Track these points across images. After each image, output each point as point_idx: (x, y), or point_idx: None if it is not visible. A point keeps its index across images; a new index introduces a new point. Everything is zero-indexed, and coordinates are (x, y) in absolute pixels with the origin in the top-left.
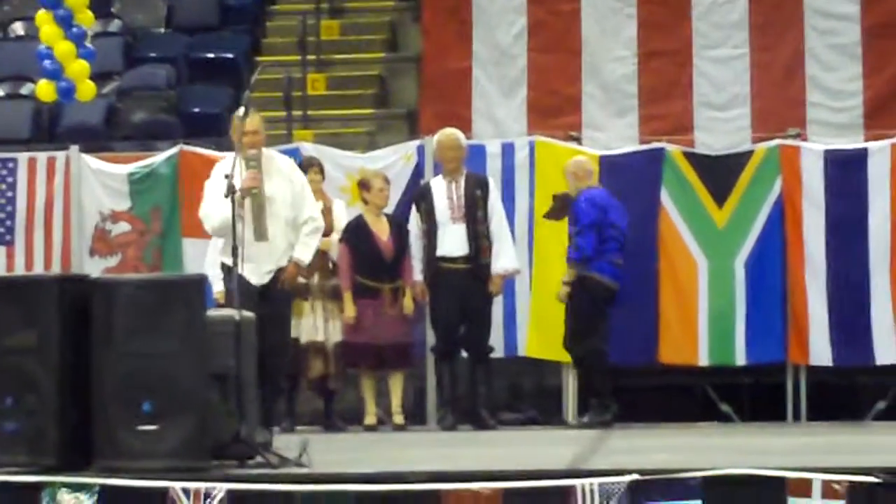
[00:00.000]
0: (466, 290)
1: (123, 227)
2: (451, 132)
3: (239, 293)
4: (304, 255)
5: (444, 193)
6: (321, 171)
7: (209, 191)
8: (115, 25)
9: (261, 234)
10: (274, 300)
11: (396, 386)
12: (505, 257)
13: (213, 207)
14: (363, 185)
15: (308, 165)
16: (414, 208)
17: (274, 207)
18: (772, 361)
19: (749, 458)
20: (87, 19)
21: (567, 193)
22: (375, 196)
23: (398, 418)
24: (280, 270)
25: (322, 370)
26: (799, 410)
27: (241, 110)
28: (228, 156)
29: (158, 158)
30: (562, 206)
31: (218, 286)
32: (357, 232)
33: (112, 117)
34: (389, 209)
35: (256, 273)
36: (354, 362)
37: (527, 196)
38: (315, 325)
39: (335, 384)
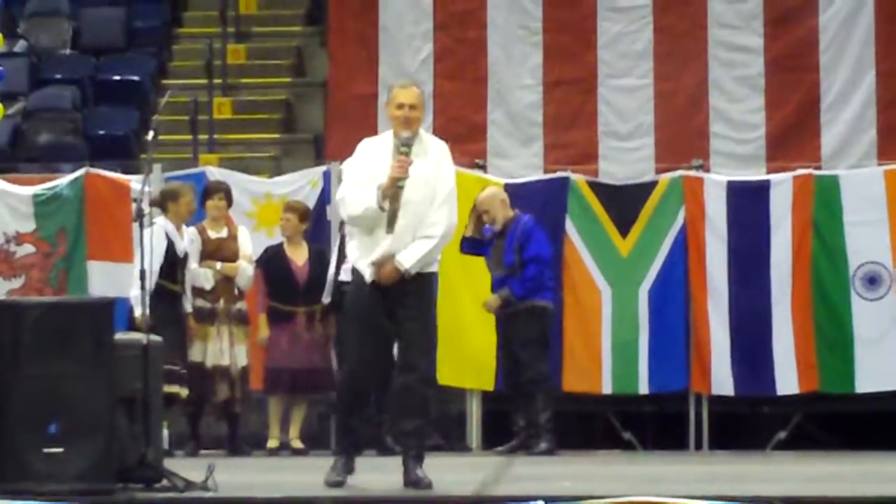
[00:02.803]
0: None
1: (28, 248)
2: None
3: (361, 298)
4: (408, 259)
5: None
6: (227, 198)
7: (352, 172)
8: (20, 46)
9: (393, 224)
10: (405, 302)
11: (299, 412)
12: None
13: (355, 193)
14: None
15: (214, 191)
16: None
17: (408, 196)
18: (674, 390)
19: (652, 486)
20: None
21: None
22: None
23: (296, 443)
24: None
25: (227, 394)
26: (701, 439)
27: (151, 134)
28: (385, 134)
29: (64, 181)
30: (478, 243)
31: (139, 310)
32: (272, 257)
33: (17, 139)
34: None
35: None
36: (270, 388)
37: None
38: (221, 349)
39: (240, 408)
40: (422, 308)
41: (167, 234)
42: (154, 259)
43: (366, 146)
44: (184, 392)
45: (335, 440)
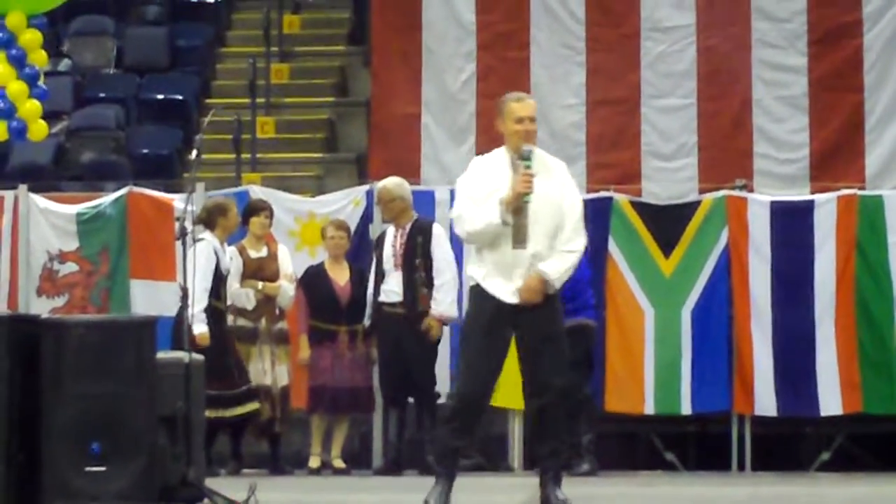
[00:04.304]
0: (402, 336)
1: (71, 267)
2: (384, 185)
3: (487, 313)
4: (553, 271)
5: (391, 241)
6: (271, 216)
7: (467, 188)
8: (64, 65)
9: (520, 239)
10: (534, 321)
11: (340, 431)
12: (441, 304)
13: (473, 209)
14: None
15: (259, 209)
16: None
17: (537, 211)
18: (717, 411)
19: None
20: (40, 59)
21: None
22: (328, 245)
23: (338, 462)
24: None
25: (269, 414)
26: (744, 460)
27: (195, 153)
28: (497, 151)
29: (107, 199)
30: None
31: (201, 328)
32: (313, 276)
33: (61, 157)
34: None
35: (505, 289)
36: (313, 406)
37: None
38: (263, 369)
39: (280, 427)
40: (557, 324)
41: (214, 251)
42: (207, 275)
43: (479, 163)
44: (227, 413)
45: (436, 461)
